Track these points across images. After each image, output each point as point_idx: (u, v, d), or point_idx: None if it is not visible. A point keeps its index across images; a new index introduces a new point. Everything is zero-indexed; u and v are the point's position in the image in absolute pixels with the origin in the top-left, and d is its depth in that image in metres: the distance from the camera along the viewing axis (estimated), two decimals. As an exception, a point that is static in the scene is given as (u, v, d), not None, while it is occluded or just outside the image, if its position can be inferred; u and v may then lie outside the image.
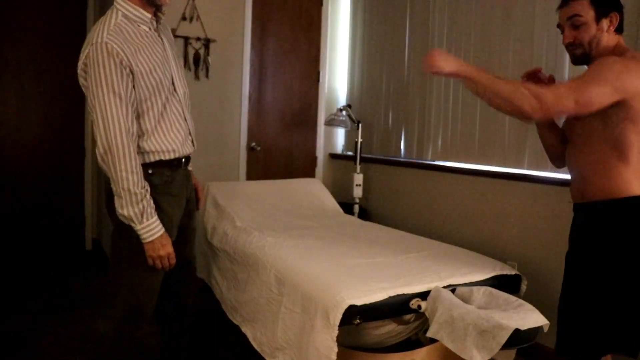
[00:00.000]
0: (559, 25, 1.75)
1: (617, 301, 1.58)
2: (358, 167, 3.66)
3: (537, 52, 2.61)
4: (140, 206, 1.62)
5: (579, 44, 1.69)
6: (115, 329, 1.81)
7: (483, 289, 1.82)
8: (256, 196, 3.12)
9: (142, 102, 1.66)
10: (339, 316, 1.63)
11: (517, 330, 1.47)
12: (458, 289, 1.85)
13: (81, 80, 1.65)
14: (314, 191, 3.40)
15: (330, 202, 3.36)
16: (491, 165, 2.89)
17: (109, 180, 1.71)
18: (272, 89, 4.00)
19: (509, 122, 2.74)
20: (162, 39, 1.79)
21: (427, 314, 1.74)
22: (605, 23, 1.66)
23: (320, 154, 4.24)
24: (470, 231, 2.95)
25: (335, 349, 1.61)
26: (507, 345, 1.47)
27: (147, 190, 1.66)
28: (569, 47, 1.73)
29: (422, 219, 3.34)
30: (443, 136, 3.26)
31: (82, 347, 2.57)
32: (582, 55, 1.71)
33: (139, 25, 1.68)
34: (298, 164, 4.15)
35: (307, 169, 4.18)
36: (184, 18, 3.44)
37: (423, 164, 3.37)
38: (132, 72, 1.61)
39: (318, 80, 4.18)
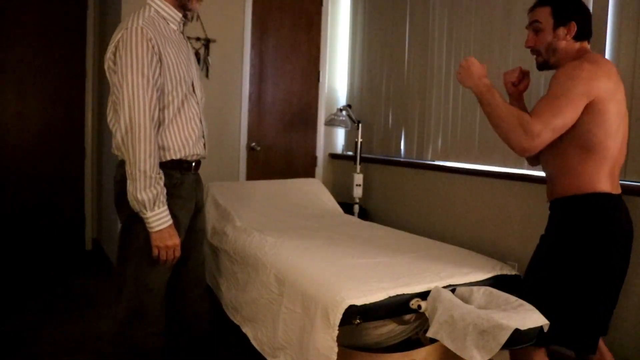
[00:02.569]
0: (527, 27, 1.82)
1: (574, 297, 1.64)
2: (358, 167, 3.66)
3: (537, 52, 2.61)
4: (154, 191, 1.63)
5: (538, 50, 1.78)
6: (116, 329, 1.81)
7: (483, 289, 1.82)
8: (256, 196, 3.13)
9: (164, 94, 1.70)
10: (339, 316, 1.63)
11: (517, 330, 1.47)
12: (458, 289, 1.85)
13: (108, 64, 1.68)
14: (314, 191, 3.40)
15: (330, 202, 3.36)
16: (491, 165, 2.89)
17: (118, 175, 1.74)
18: (272, 89, 4.00)
19: (509, 122, 2.75)
20: (186, 42, 1.86)
21: (427, 314, 1.74)
22: (562, 31, 1.73)
23: (320, 154, 4.24)
24: (470, 231, 2.95)
25: (336, 349, 1.61)
26: (507, 345, 1.47)
27: (161, 178, 1.67)
28: (532, 52, 1.82)
29: (422, 219, 3.34)
30: (443, 136, 3.26)
31: (82, 347, 2.57)
32: (542, 62, 1.80)
33: (168, 24, 1.75)
34: (298, 164, 4.15)
35: (307, 169, 4.18)
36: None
37: (423, 164, 3.37)
38: (160, 60, 1.66)
39: (318, 80, 4.18)
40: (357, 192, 3.62)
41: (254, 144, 3.93)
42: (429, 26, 3.36)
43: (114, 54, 1.64)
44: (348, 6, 4.24)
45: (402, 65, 3.62)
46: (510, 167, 2.77)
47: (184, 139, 1.78)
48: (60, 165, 4.25)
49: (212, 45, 3.61)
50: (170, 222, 1.70)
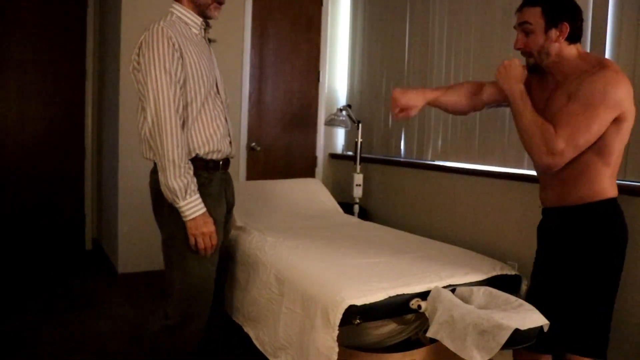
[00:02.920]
0: (515, 28, 1.76)
1: (586, 304, 1.64)
2: (358, 167, 3.66)
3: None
4: (185, 180, 1.70)
5: (529, 52, 1.72)
6: (164, 331, 1.87)
7: (483, 289, 1.82)
8: (256, 196, 3.13)
9: (186, 90, 1.76)
10: (339, 316, 1.63)
11: (517, 330, 1.47)
12: (458, 289, 1.85)
13: (133, 64, 1.76)
14: (314, 191, 3.40)
15: (330, 202, 3.36)
16: (491, 165, 2.89)
17: (152, 182, 1.83)
18: (272, 89, 4.00)
19: (509, 122, 2.74)
20: (208, 46, 1.94)
21: (427, 314, 1.74)
22: (554, 33, 1.65)
23: (320, 154, 4.24)
24: (470, 231, 2.95)
25: (336, 349, 1.61)
26: (507, 345, 1.47)
27: (190, 168, 1.73)
28: (522, 54, 1.76)
29: (422, 219, 3.34)
30: (443, 136, 3.26)
31: (82, 347, 2.57)
32: (535, 64, 1.74)
33: (190, 28, 1.84)
34: (298, 164, 4.15)
35: (307, 169, 4.19)
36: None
37: (423, 164, 3.37)
38: (182, 57, 1.73)
39: (318, 80, 4.18)
40: (357, 192, 3.62)
41: (254, 144, 3.93)
42: (429, 26, 3.36)
43: (138, 55, 1.73)
44: (348, 6, 4.24)
45: (402, 65, 3.62)
46: (510, 167, 2.77)
47: (209, 135, 1.84)
48: (60, 165, 4.25)
49: (212, 45, 3.59)
50: (204, 209, 1.76)
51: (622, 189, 1.86)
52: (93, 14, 4.26)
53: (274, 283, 2.06)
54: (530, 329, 1.52)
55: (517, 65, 1.74)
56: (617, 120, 1.57)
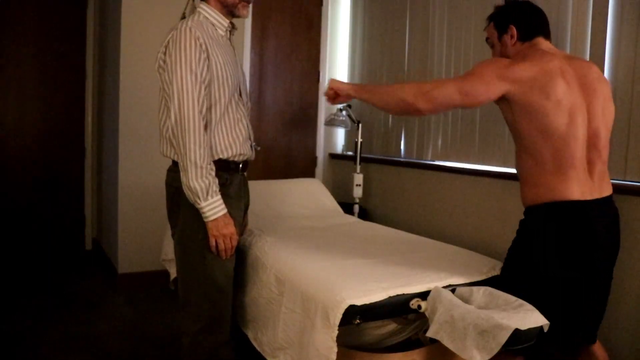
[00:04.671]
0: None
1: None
2: (358, 167, 3.66)
3: (537, 52, 2.61)
4: (206, 181, 1.69)
5: None
6: (188, 341, 1.85)
7: (483, 289, 1.82)
8: (256, 196, 3.12)
9: (211, 92, 1.76)
10: (339, 316, 1.63)
11: (517, 330, 1.47)
12: (458, 289, 1.85)
13: (159, 63, 1.76)
14: (314, 191, 3.39)
15: (330, 202, 3.36)
16: (491, 165, 2.89)
17: (169, 179, 1.85)
18: (272, 89, 4.00)
19: (509, 122, 2.75)
20: (233, 49, 1.93)
21: (427, 314, 1.73)
22: (506, 38, 1.79)
23: (320, 154, 4.24)
24: (470, 231, 2.95)
25: (335, 349, 1.61)
26: (507, 345, 1.47)
27: (212, 169, 1.73)
28: None
29: (422, 219, 3.34)
30: (443, 136, 3.26)
31: (82, 347, 2.57)
32: None
33: (216, 29, 1.83)
34: (298, 164, 4.15)
35: (307, 169, 4.19)
36: (183, 17, 3.43)
37: (423, 164, 3.37)
38: (208, 58, 1.72)
39: (318, 80, 4.18)
40: (357, 192, 3.62)
41: (254, 143, 3.92)
42: (429, 26, 3.36)
43: (164, 54, 1.73)
44: (348, 6, 4.24)
45: (402, 64, 3.62)
46: (510, 167, 2.76)
47: (232, 139, 1.84)
48: (60, 166, 4.25)
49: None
50: (225, 210, 1.76)
51: (622, 189, 1.86)
52: (93, 14, 4.27)
53: (273, 283, 2.06)
54: (530, 329, 1.52)
55: (333, 82, 1.89)
56: (519, 104, 1.61)
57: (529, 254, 1.69)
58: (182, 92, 1.66)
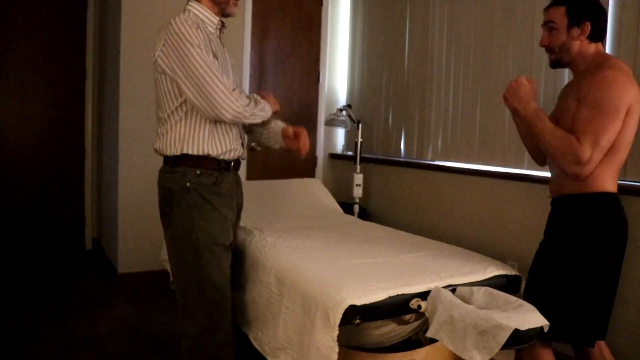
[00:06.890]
0: (542, 26, 1.83)
1: (578, 293, 1.66)
2: (358, 167, 3.66)
3: (537, 52, 2.61)
4: (243, 99, 1.77)
5: (552, 49, 1.78)
6: (189, 344, 1.84)
7: (483, 289, 1.82)
8: (256, 196, 3.12)
9: None
10: (339, 316, 1.63)
11: (517, 331, 1.47)
12: (458, 289, 1.85)
13: (158, 54, 1.74)
14: (314, 191, 3.39)
15: (330, 202, 3.36)
16: (491, 165, 2.89)
17: (161, 180, 1.83)
18: (272, 89, 4.00)
19: (509, 122, 2.74)
20: (224, 47, 1.93)
21: (427, 314, 1.74)
22: (575, 31, 1.72)
23: (320, 154, 4.24)
24: (470, 231, 2.95)
25: (336, 349, 1.61)
26: (507, 345, 1.47)
27: (251, 102, 1.82)
28: (546, 51, 1.83)
29: (422, 219, 3.34)
30: (443, 136, 3.26)
31: (82, 347, 2.57)
32: (556, 60, 1.80)
33: (206, 26, 1.83)
34: (298, 164, 4.15)
35: (307, 169, 4.18)
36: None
37: (423, 164, 3.37)
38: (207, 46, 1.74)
39: (318, 80, 4.18)
40: (357, 192, 3.62)
41: (254, 144, 3.90)
42: (429, 26, 3.36)
43: (163, 45, 1.72)
44: (348, 6, 4.24)
45: (402, 65, 3.62)
46: (510, 167, 2.77)
47: (221, 136, 1.84)
48: (60, 165, 4.25)
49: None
50: (270, 108, 1.91)
51: (622, 189, 1.86)
52: (93, 14, 4.26)
53: (273, 283, 2.06)
54: (530, 329, 1.52)
55: (523, 84, 1.76)
56: (625, 118, 1.61)
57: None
58: (193, 64, 1.67)
